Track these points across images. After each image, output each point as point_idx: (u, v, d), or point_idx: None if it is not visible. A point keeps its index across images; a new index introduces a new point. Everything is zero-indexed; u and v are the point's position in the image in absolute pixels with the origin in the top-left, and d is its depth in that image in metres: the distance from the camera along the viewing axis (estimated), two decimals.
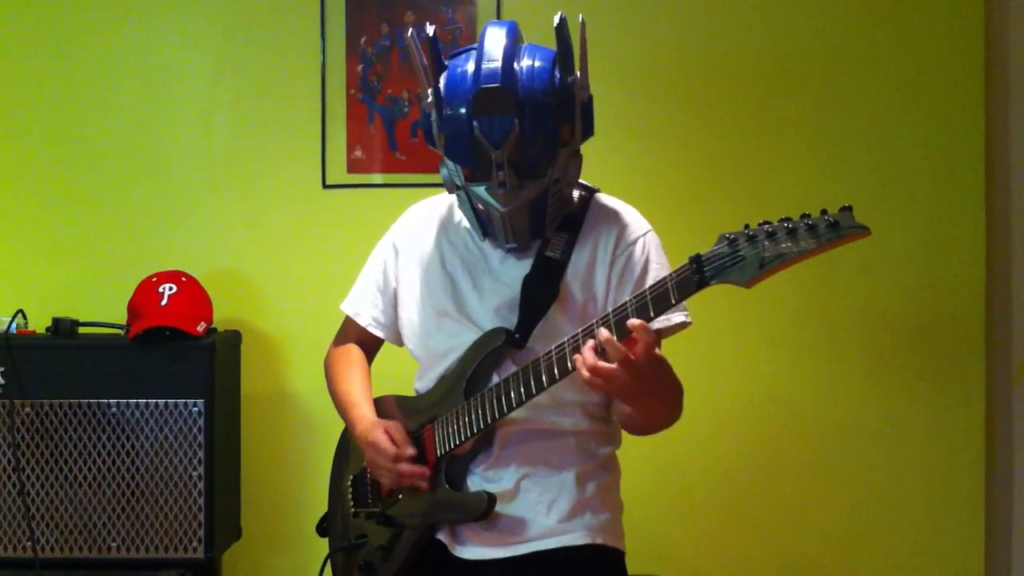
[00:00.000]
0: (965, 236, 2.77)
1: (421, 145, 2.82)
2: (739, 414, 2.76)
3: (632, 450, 1.85)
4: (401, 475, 1.72)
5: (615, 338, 1.44)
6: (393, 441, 1.73)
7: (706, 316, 1.74)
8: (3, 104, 2.86)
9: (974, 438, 2.77)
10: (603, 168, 1.99)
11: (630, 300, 1.48)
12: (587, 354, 1.46)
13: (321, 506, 2.05)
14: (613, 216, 1.75)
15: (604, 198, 1.80)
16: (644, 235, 1.74)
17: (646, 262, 1.72)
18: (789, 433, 2.80)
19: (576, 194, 1.77)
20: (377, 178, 2.84)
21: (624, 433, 1.82)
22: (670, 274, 1.45)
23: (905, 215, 2.75)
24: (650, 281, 1.66)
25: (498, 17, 2.77)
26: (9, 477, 2.48)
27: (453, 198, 1.81)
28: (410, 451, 1.72)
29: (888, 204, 2.76)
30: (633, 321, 1.43)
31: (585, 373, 1.46)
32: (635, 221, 1.76)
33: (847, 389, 2.79)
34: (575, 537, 1.69)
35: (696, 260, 1.41)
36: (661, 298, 1.44)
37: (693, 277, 1.40)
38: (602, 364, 1.44)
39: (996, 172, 2.75)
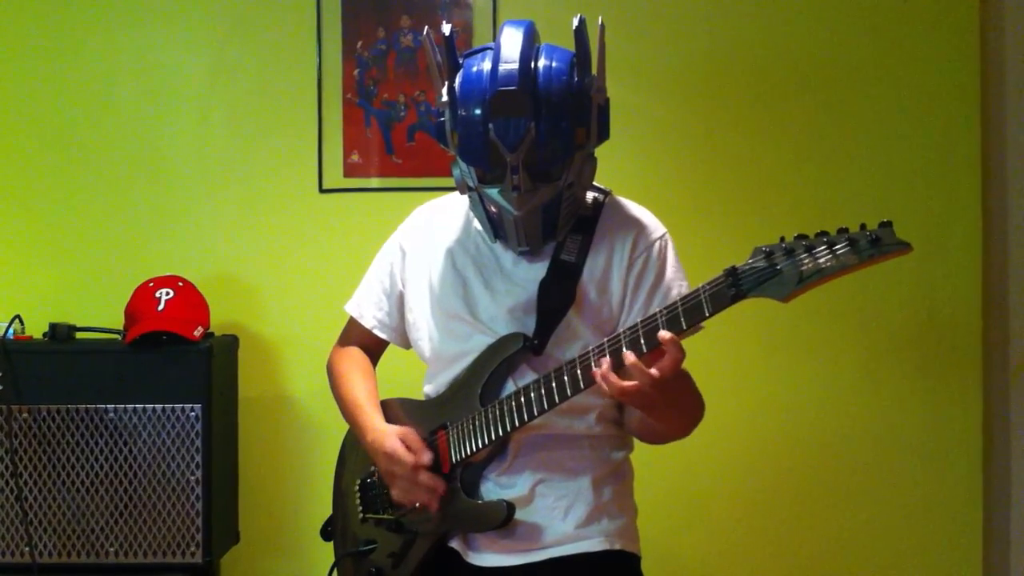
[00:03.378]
0: (962, 237, 2.77)
1: (418, 149, 2.83)
2: (738, 417, 2.76)
3: (637, 456, 1.85)
4: (419, 484, 1.69)
5: (644, 348, 1.46)
6: (410, 449, 1.71)
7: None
8: None
9: (972, 439, 2.77)
10: (610, 169, 1.98)
11: (660, 311, 1.47)
12: (610, 376, 1.47)
13: (319, 510, 2.04)
14: (629, 218, 1.74)
15: (618, 199, 1.78)
16: (660, 237, 1.73)
17: (662, 265, 1.71)
18: (785, 436, 2.80)
19: (590, 196, 1.75)
20: (374, 182, 2.84)
21: (635, 440, 1.82)
22: (703, 286, 1.43)
23: (902, 216, 2.68)
24: (665, 284, 1.69)
25: (494, 21, 2.78)
26: (7, 483, 2.47)
27: (462, 199, 1.78)
28: (428, 457, 1.70)
29: (885, 205, 2.76)
30: (664, 334, 1.43)
31: (606, 387, 1.47)
32: (651, 223, 1.74)
33: (844, 392, 2.79)
34: (593, 543, 1.68)
35: (731, 273, 1.40)
36: (694, 310, 1.43)
37: (728, 291, 1.40)
38: (626, 384, 1.45)
39: (992, 173, 2.75)
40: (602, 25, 1.61)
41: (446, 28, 1.65)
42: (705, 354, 2.76)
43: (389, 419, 1.82)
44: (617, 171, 1.98)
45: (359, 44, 2.83)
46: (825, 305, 2.76)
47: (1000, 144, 2.73)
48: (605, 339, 1.53)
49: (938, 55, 2.78)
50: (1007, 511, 2.67)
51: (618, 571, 1.72)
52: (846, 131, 2.80)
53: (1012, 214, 2.68)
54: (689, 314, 1.44)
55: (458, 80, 1.63)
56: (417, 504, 1.72)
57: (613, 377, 1.47)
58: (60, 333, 2.58)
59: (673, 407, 1.56)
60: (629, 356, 1.45)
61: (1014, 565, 2.64)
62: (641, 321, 1.49)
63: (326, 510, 2.01)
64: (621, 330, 1.52)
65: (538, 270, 1.70)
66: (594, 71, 1.62)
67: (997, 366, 2.74)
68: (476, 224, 1.77)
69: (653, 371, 1.43)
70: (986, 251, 2.77)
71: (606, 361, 1.49)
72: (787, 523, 2.80)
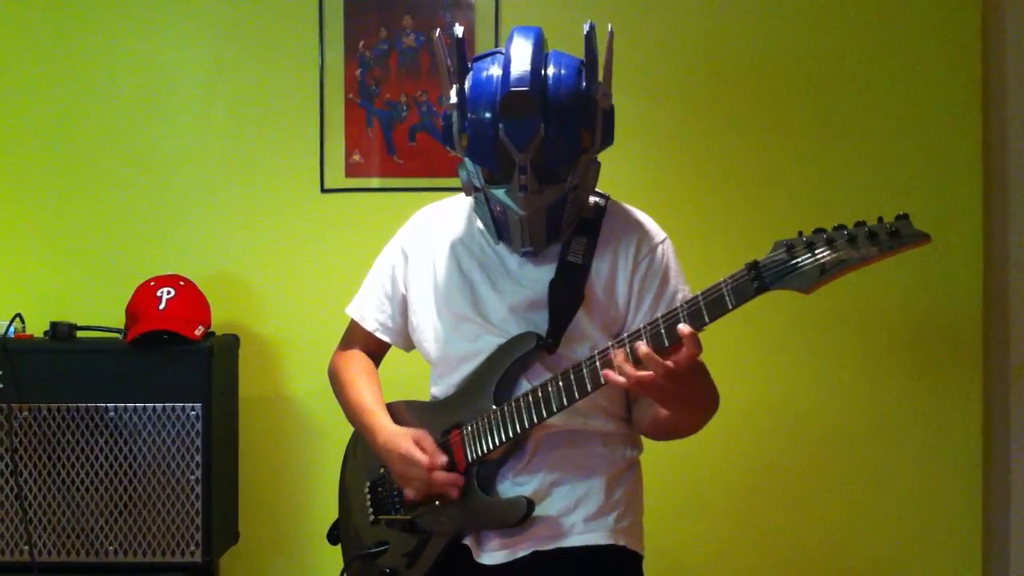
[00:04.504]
0: (963, 238, 2.78)
1: (419, 149, 2.84)
2: (738, 416, 2.75)
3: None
4: (435, 484, 1.70)
5: (666, 342, 1.48)
6: (424, 450, 1.72)
7: None
8: (0, 107, 2.87)
9: (972, 439, 2.78)
10: (611, 173, 1.99)
11: (682, 306, 1.49)
12: (624, 367, 1.49)
13: (319, 510, 2.04)
14: (632, 223, 1.77)
15: (619, 204, 1.81)
16: (662, 242, 1.76)
17: (665, 269, 1.74)
18: (786, 436, 2.81)
19: (590, 200, 1.78)
20: (375, 182, 2.84)
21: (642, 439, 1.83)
22: (724, 280, 1.46)
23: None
24: (669, 288, 1.72)
25: (496, 22, 2.78)
26: (7, 481, 2.47)
27: (462, 201, 1.81)
28: (443, 459, 1.71)
29: (885, 207, 2.73)
30: (683, 328, 1.46)
31: (622, 379, 1.49)
32: (653, 228, 1.78)
33: (845, 391, 2.80)
34: (598, 536, 1.70)
35: (753, 266, 1.43)
36: (716, 304, 1.46)
37: (751, 284, 1.43)
38: (642, 373, 1.47)
39: (993, 173, 2.76)
40: (611, 32, 1.63)
41: (458, 30, 1.68)
42: (706, 352, 2.77)
43: (396, 422, 1.82)
44: (617, 176, 1.99)
45: (361, 44, 2.83)
46: (826, 305, 2.77)
47: (1001, 144, 2.73)
48: (625, 334, 1.56)
49: (939, 55, 2.79)
50: (1007, 511, 2.67)
51: (620, 566, 1.73)
52: (846, 133, 2.80)
53: (1013, 214, 2.68)
54: (711, 308, 1.46)
55: (468, 83, 1.65)
56: (436, 502, 1.73)
57: (630, 367, 1.49)
58: (61, 332, 2.58)
59: (688, 399, 1.57)
60: (643, 347, 1.48)
61: (1013, 565, 2.64)
62: (662, 316, 1.51)
63: (326, 510, 2.01)
64: (642, 325, 1.54)
65: (546, 271, 1.72)
66: (601, 77, 1.65)
67: (997, 366, 2.74)
68: (479, 225, 1.79)
69: (668, 363, 1.46)
70: (987, 252, 2.78)
71: (623, 352, 1.51)
72: (787, 522, 2.80)
